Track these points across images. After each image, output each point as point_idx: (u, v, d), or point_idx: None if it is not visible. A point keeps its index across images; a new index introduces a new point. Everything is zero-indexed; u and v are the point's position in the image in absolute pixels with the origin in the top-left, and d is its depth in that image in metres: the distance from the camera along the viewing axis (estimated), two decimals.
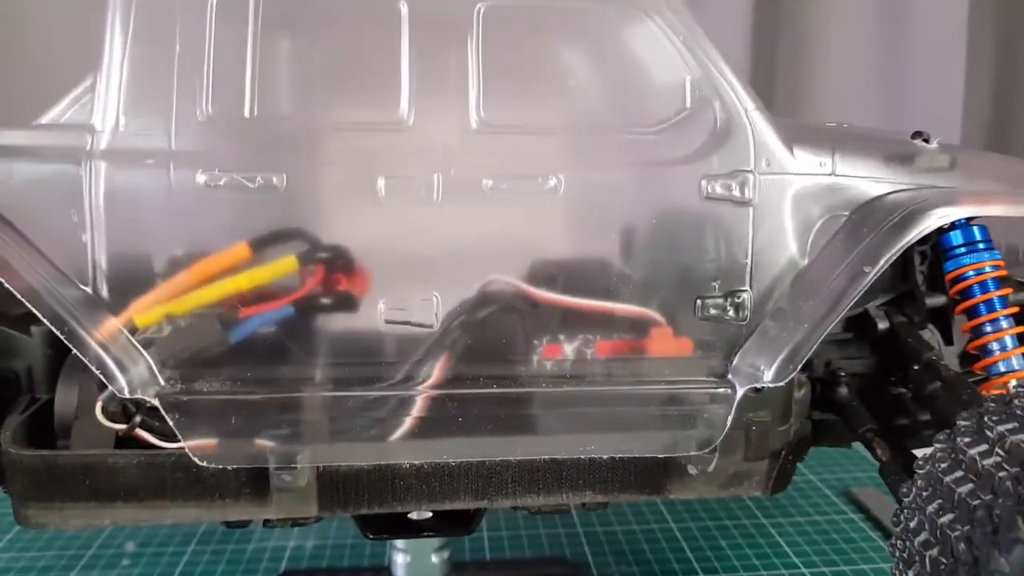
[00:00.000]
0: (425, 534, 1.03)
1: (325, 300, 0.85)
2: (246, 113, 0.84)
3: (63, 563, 1.43)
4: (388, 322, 0.86)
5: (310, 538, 1.51)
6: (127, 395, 0.81)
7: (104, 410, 0.86)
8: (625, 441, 0.90)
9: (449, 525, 1.01)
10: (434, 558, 1.13)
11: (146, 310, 0.84)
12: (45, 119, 0.84)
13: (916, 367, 1.02)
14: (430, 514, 1.03)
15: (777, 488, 0.98)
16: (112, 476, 0.86)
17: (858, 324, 1.07)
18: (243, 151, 0.84)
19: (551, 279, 0.89)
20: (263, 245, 0.85)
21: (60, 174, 0.82)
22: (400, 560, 1.14)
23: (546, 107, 0.87)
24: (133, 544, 1.50)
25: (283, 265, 0.85)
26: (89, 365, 0.80)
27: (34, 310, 0.79)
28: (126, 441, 0.90)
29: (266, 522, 0.93)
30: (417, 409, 0.87)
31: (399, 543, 1.14)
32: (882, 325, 1.05)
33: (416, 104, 0.86)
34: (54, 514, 0.87)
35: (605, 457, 0.93)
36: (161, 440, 0.88)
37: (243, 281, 0.84)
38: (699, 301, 0.90)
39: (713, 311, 0.90)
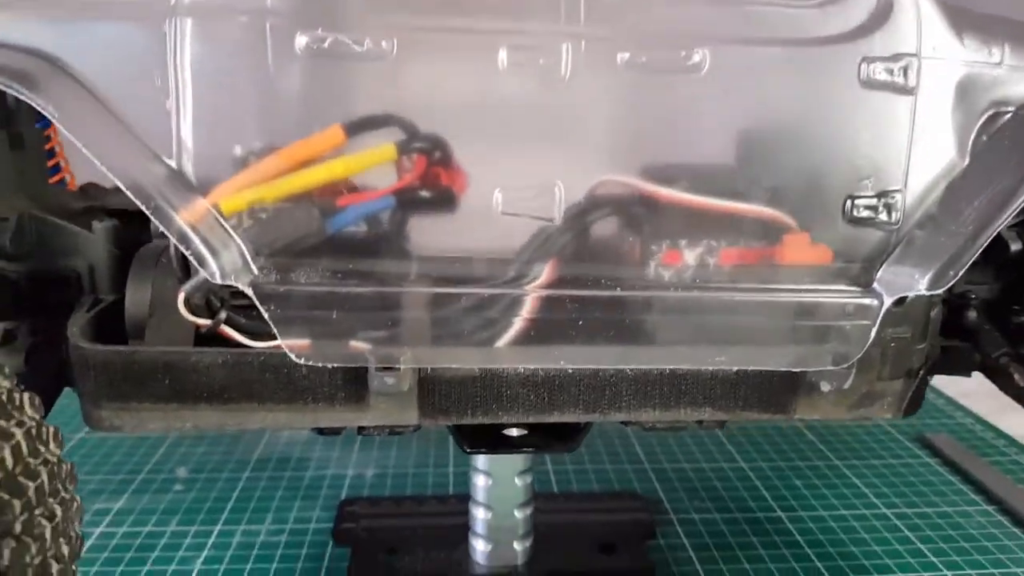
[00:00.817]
0: (525, 450, 0.97)
1: (431, 190, 0.77)
2: None
3: (112, 487, 1.39)
4: (505, 213, 0.78)
5: (370, 467, 1.46)
6: (218, 281, 0.72)
7: (187, 302, 0.78)
8: (754, 354, 0.82)
9: (551, 441, 0.95)
10: (518, 481, 1.07)
11: (235, 193, 0.75)
12: None
13: None
14: (524, 431, 0.97)
15: (910, 410, 0.91)
16: (195, 375, 0.79)
17: (987, 246, 1.00)
18: (349, 9, 0.74)
19: (680, 175, 0.79)
20: (359, 129, 0.76)
21: (142, 32, 0.73)
22: (481, 483, 1.08)
23: None
24: (185, 469, 1.45)
25: (381, 152, 0.76)
26: (178, 246, 0.72)
27: (117, 182, 0.70)
28: (205, 341, 0.83)
29: (360, 430, 0.86)
30: (529, 310, 0.79)
31: (480, 465, 1.08)
32: (1015, 247, 0.97)
33: None
34: (130, 415, 0.81)
35: (728, 372, 0.86)
36: (248, 338, 0.81)
37: (338, 168, 0.75)
38: (849, 201, 0.81)
39: (864, 212, 0.81)
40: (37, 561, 0.62)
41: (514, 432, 0.96)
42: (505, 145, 0.78)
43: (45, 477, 0.65)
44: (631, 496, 1.35)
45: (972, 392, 1.04)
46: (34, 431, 0.66)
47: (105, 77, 0.73)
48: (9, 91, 0.69)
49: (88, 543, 1.20)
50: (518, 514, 1.09)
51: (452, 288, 0.78)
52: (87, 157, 0.71)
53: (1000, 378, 0.95)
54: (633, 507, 1.31)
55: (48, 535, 0.63)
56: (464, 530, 1.15)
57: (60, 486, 0.67)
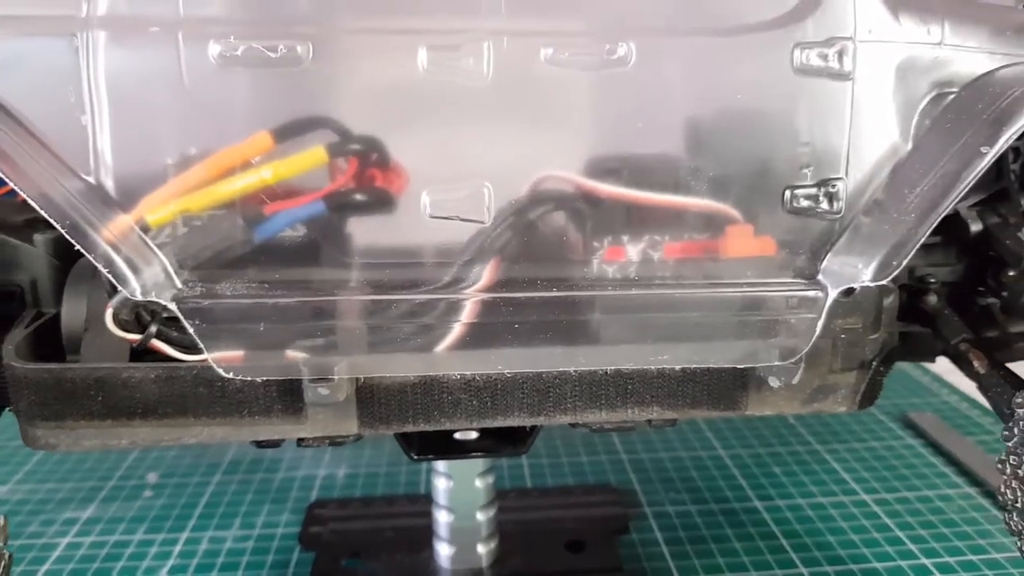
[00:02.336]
0: (474, 454, 0.95)
1: (360, 194, 0.74)
2: None
3: (82, 495, 1.38)
4: (433, 217, 0.75)
5: (341, 466, 1.44)
6: (140, 298, 0.71)
7: (115, 318, 0.77)
8: (700, 351, 0.80)
9: (501, 444, 0.93)
10: (478, 483, 1.06)
11: (159, 206, 0.73)
12: None
13: (1012, 273, 0.92)
14: (476, 434, 0.94)
15: (865, 403, 0.89)
16: (128, 391, 0.78)
17: (947, 227, 0.96)
18: (262, 15, 0.72)
19: (617, 169, 0.77)
20: (287, 134, 0.74)
21: (54, 46, 0.71)
22: (442, 485, 1.06)
23: None
24: (155, 475, 1.44)
25: (310, 156, 0.74)
26: (96, 264, 0.70)
27: (31, 201, 0.68)
28: (142, 356, 0.81)
29: (300, 441, 0.85)
30: (466, 315, 0.76)
31: (441, 468, 1.06)
32: (975, 227, 0.95)
33: None
34: (65, 434, 0.79)
35: (675, 369, 0.84)
36: (181, 352, 0.79)
37: (266, 174, 0.73)
38: (787, 192, 0.78)
39: (804, 202, 0.78)
40: None
41: (465, 436, 0.93)
42: (433, 147, 0.75)
43: None
44: (605, 489, 1.33)
45: (957, 369, 1.01)
46: None
47: (16, 93, 0.71)
48: None
49: (54, 554, 1.20)
50: (480, 516, 1.08)
51: (385, 295, 0.76)
52: None
53: (962, 364, 0.91)
54: (606, 501, 1.29)
55: None
56: (431, 533, 1.13)
57: None
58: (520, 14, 0.73)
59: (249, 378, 0.77)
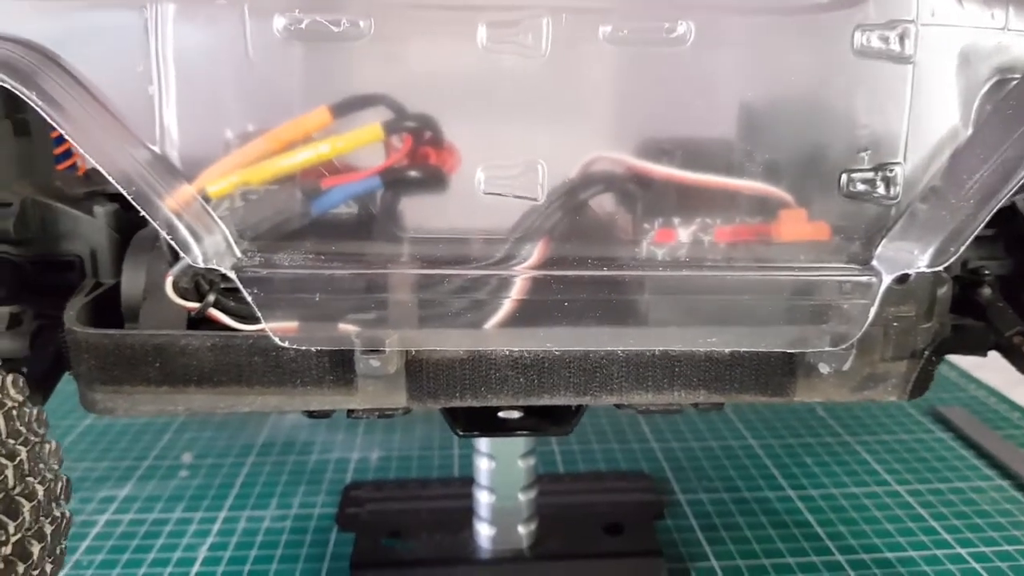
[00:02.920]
0: (519, 433, 0.95)
1: (415, 170, 0.75)
2: None
3: (119, 473, 1.39)
4: (487, 193, 0.76)
5: (375, 449, 1.45)
6: (201, 265, 0.72)
7: (175, 286, 0.79)
8: (750, 335, 0.79)
9: (545, 424, 0.93)
10: (520, 464, 1.06)
11: (220, 177, 0.74)
12: None
13: None
14: (520, 414, 0.95)
15: (916, 392, 0.88)
16: (185, 359, 0.79)
17: (1002, 220, 0.95)
18: None
19: (670, 151, 0.77)
20: (346, 110, 0.74)
21: (123, 18, 0.72)
22: (484, 466, 1.07)
23: None
24: (191, 455, 1.45)
25: (367, 132, 0.74)
26: (159, 231, 0.72)
27: (99, 168, 0.70)
28: (199, 325, 0.83)
29: (350, 412, 0.86)
30: (516, 291, 0.77)
31: (483, 448, 1.07)
32: None
33: None
34: (123, 398, 0.81)
35: (723, 353, 0.83)
36: (238, 321, 0.80)
37: (324, 149, 0.74)
38: (844, 176, 0.77)
39: (861, 187, 0.77)
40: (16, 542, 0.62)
41: (509, 414, 0.94)
42: (489, 124, 0.76)
43: (1, 419, 0.66)
44: (638, 476, 1.34)
45: (986, 364, 1.01)
46: (15, 412, 0.67)
47: (89, 64, 0.73)
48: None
49: (93, 531, 1.21)
50: (522, 497, 1.08)
51: (438, 269, 0.77)
52: None
53: (1015, 357, 0.91)
54: (641, 487, 1.29)
55: (10, 473, 0.64)
56: (469, 513, 1.14)
57: (21, 427, 0.68)
58: None
59: (303, 348, 0.78)
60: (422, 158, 0.75)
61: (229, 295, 0.81)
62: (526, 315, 0.77)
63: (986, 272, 0.96)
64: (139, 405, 0.81)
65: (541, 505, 1.14)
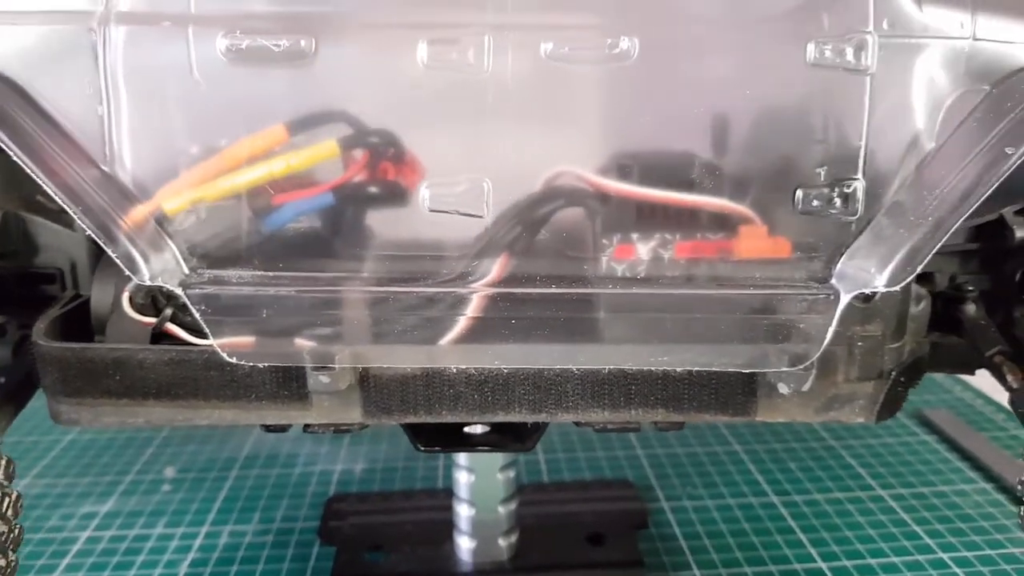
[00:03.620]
0: (480, 448, 0.96)
1: (367, 187, 0.75)
2: None
3: (101, 489, 1.38)
4: (432, 210, 0.75)
5: (359, 461, 1.45)
6: (148, 283, 0.74)
7: (131, 301, 0.81)
8: (704, 353, 0.78)
9: (506, 440, 0.93)
10: (499, 476, 1.06)
11: (172, 195, 0.75)
12: None
13: None
14: (483, 429, 0.95)
15: (884, 415, 0.85)
16: (143, 372, 0.81)
17: (988, 233, 0.94)
18: (266, 9, 0.73)
19: (621, 167, 0.75)
20: (301, 128, 0.74)
21: (72, 39, 0.73)
22: (464, 479, 1.07)
23: None
24: (173, 469, 1.44)
25: (322, 150, 0.75)
26: (106, 249, 0.73)
27: (46, 186, 0.71)
28: (163, 339, 0.84)
29: (306, 427, 0.86)
30: (467, 309, 0.76)
31: (462, 462, 1.07)
32: (1020, 233, 0.91)
33: None
34: (86, 410, 0.83)
35: (680, 372, 0.82)
36: (195, 336, 0.82)
37: (278, 166, 0.74)
38: (799, 192, 0.75)
39: (815, 203, 0.75)
40: None
41: (472, 429, 0.94)
42: (431, 142, 0.75)
43: None
44: (622, 484, 1.33)
45: None
46: None
47: (38, 84, 0.74)
48: None
49: (74, 547, 1.21)
50: (502, 510, 1.08)
51: (388, 287, 0.76)
52: None
53: (998, 376, 0.89)
54: (624, 496, 1.29)
55: None
56: (450, 526, 1.14)
57: None
58: (520, 8, 0.73)
59: (252, 363, 0.79)
60: (373, 175, 0.75)
61: (186, 310, 0.80)
62: (477, 333, 0.77)
63: (970, 289, 0.93)
64: (102, 416, 0.82)
65: (523, 516, 1.13)
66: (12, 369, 0.91)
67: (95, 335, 0.85)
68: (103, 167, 0.74)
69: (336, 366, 0.78)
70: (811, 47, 0.73)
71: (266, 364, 0.79)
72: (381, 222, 0.76)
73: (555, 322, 0.76)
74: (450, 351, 0.78)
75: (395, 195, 0.76)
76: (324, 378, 0.78)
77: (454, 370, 0.82)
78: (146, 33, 0.72)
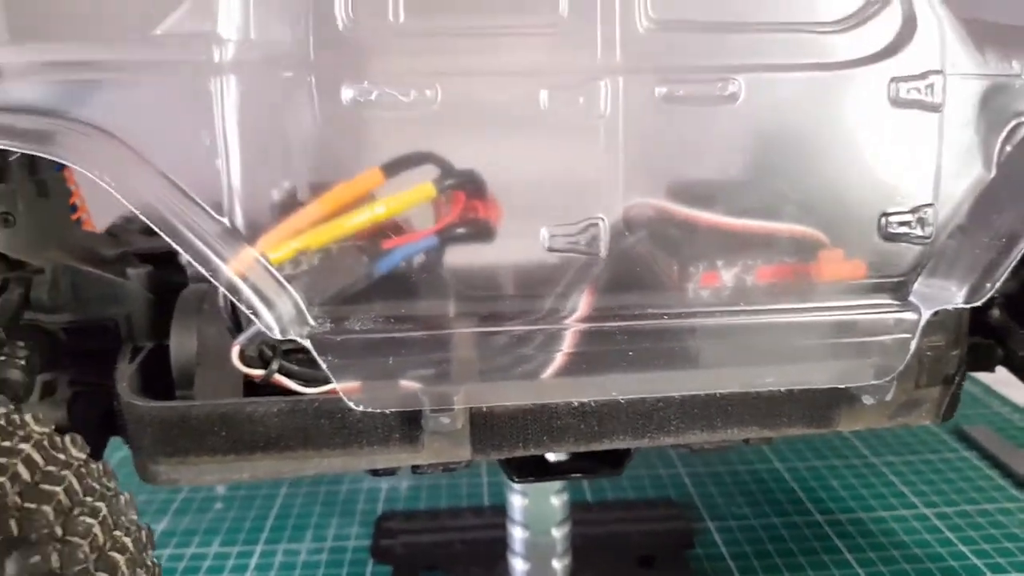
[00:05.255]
0: (572, 476, 0.97)
1: (472, 227, 0.77)
2: (391, 17, 0.74)
3: (155, 507, 1.41)
4: (551, 250, 0.78)
5: (404, 479, 1.47)
6: (278, 336, 0.73)
7: (241, 354, 0.78)
8: (801, 372, 0.84)
9: (598, 465, 0.95)
10: (554, 500, 1.08)
11: (284, 242, 0.75)
12: (162, 29, 0.73)
13: None
14: (567, 455, 0.96)
15: (948, 415, 0.93)
16: (252, 425, 0.79)
17: None
18: (390, 61, 0.75)
19: (717, 198, 0.80)
20: (396, 169, 0.76)
21: (187, 91, 0.73)
22: (518, 503, 1.08)
23: (721, 0, 0.77)
24: (224, 487, 1.47)
25: (420, 192, 0.76)
26: (239, 305, 0.73)
27: (176, 246, 0.71)
28: (253, 388, 0.83)
29: (415, 468, 0.86)
30: (572, 344, 0.79)
31: (516, 485, 1.09)
32: None
33: (577, 2, 0.75)
34: (187, 469, 0.80)
35: (774, 390, 0.87)
36: (301, 385, 0.81)
37: (380, 210, 0.75)
38: (883, 218, 0.82)
39: (899, 228, 0.82)
40: (94, 556, 0.63)
41: (561, 457, 0.95)
42: (548, 182, 0.78)
43: (73, 480, 0.66)
44: (667, 504, 1.35)
45: (1009, 380, 1.04)
46: (46, 441, 0.67)
47: (149, 137, 0.73)
48: (53, 159, 0.70)
49: None
50: (556, 532, 1.10)
51: (497, 326, 0.79)
52: (101, 197, 0.71)
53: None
54: (670, 515, 1.31)
55: (98, 531, 0.64)
56: (502, 545, 1.16)
57: (95, 484, 0.68)
58: (636, 55, 0.76)
59: (376, 409, 0.79)
60: (475, 216, 0.77)
61: (290, 359, 0.81)
62: (584, 365, 0.80)
63: (995, 295, 0.99)
64: (204, 474, 0.80)
65: (573, 535, 1.15)
66: (74, 427, 0.86)
67: (176, 389, 0.83)
68: (223, 219, 0.74)
69: (455, 407, 0.79)
70: (893, 86, 0.80)
71: (379, 409, 0.79)
72: (488, 261, 0.79)
73: (656, 351, 0.80)
74: (559, 385, 0.80)
75: (503, 234, 0.78)
76: (444, 419, 0.78)
77: (561, 403, 0.83)
78: (266, 83, 0.73)
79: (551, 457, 0.95)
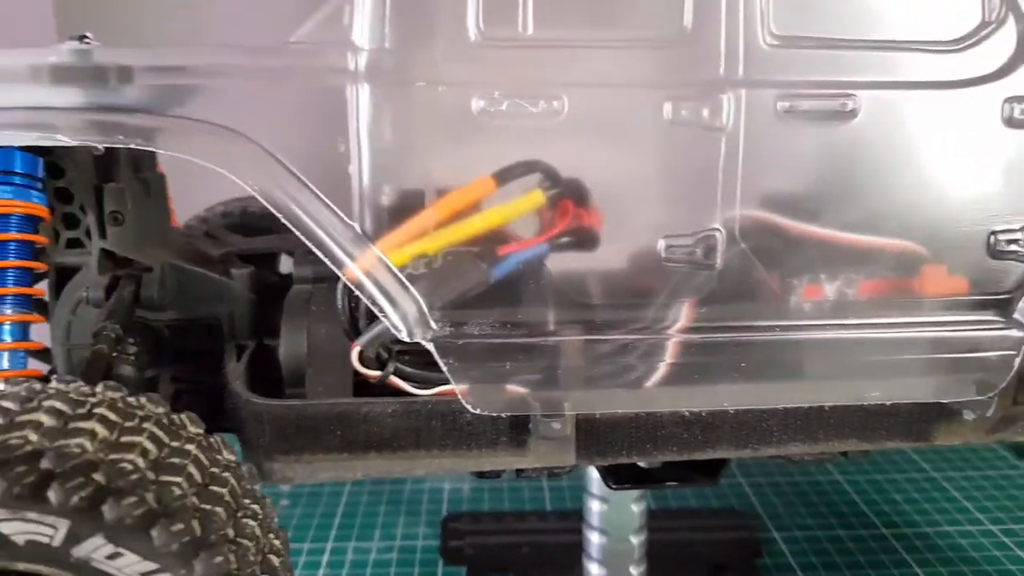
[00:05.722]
0: (668, 484, 0.98)
1: (582, 236, 0.78)
2: (520, 29, 0.75)
3: None
4: (668, 260, 0.79)
5: (466, 480, 1.48)
6: (405, 337, 0.75)
7: (361, 356, 0.80)
8: (904, 386, 0.85)
9: (693, 474, 0.96)
10: (634, 508, 1.09)
11: (406, 246, 0.77)
12: (296, 36, 0.74)
13: None
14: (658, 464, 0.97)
15: None
16: (367, 425, 0.81)
17: None
18: (519, 72, 0.76)
19: (830, 213, 0.81)
20: (507, 177, 0.77)
21: (322, 98, 0.75)
22: (596, 508, 1.09)
23: (840, 18, 0.78)
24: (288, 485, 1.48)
25: (530, 199, 0.77)
26: (372, 308, 0.75)
27: (314, 248, 0.74)
28: (363, 388, 0.84)
29: (519, 472, 0.88)
30: (680, 353, 0.81)
31: (595, 491, 1.10)
32: None
33: (701, 16, 0.77)
34: (302, 467, 0.82)
35: (872, 403, 0.88)
36: (413, 387, 0.82)
37: (494, 217, 0.77)
38: (992, 237, 0.83)
39: (1007, 247, 0.83)
40: (259, 559, 0.65)
41: (652, 464, 0.96)
42: (667, 193, 0.80)
43: (234, 482, 0.67)
44: (733, 513, 1.36)
45: None
46: (204, 443, 0.69)
47: (285, 141, 0.75)
48: (208, 165, 0.72)
49: None
50: (634, 539, 1.11)
51: (609, 334, 0.80)
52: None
53: None
54: (736, 524, 1.31)
55: (259, 532, 0.66)
56: (571, 550, 1.17)
57: (249, 487, 0.70)
58: (758, 70, 0.78)
59: (491, 413, 0.80)
60: (584, 224, 0.78)
61: (405, 360, 0.83)
62: (692, 374, 0.82)
63: None
64: (318, 472, 0.82)
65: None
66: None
67: (286, 387, 0.85)
68: (353, 224, 0.76)
69: (565, 413, 0.80)
70: (1006, 106, 0.81)
71: (494, 412, 0.80)
72: (593, 269, 0.80)
73: (768, 363, 0.82)
74: (665, 394, 0.81)
75: (614, 243, 0.79)
76: (556, 424, 0.80)
77: (667, 411, 0.85)
78: (398, 92, 0.75)
79: (645, 464, 0.96)
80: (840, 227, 0.81)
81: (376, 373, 0.81)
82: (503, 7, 0.74)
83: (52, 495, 0.56)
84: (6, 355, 0.79)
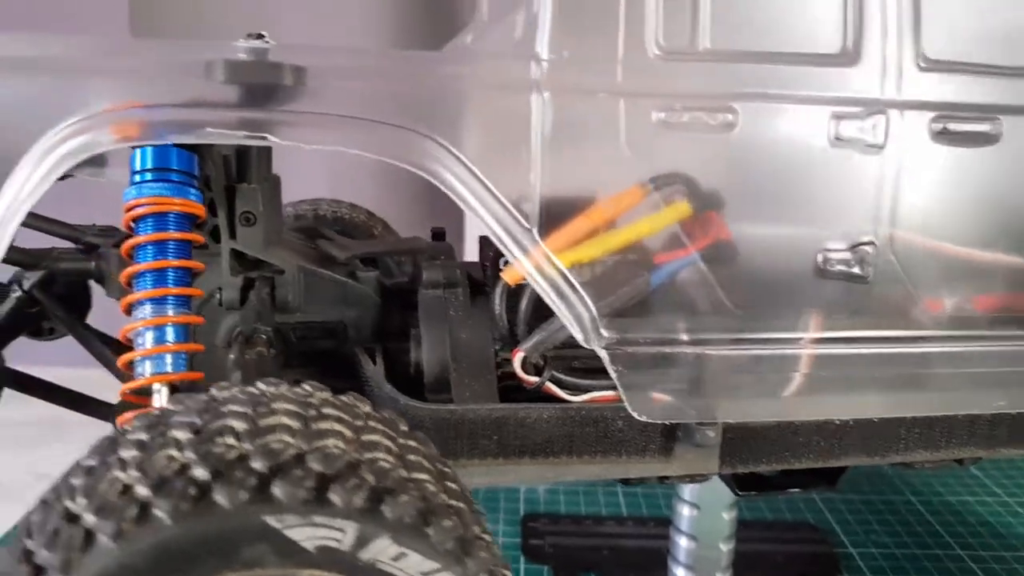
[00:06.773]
0: (790, 491, 1.00)
1: (729, 247, 0.81)
2: (698, 43, 0.77)
3: None
4: (825, 272, 0.82)
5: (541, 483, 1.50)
6: (583, 343, 0.77)
7: (524, 363, 0.82)
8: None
9: (815, 480, 0.98)
10: (725, 515, 1.11)
11: (578, 252, 0.78)
12: (476, 42, 0.77)
13: None
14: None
15: None
16: (523, 431, 0.81)
17: None
18: (696, 85, 0.78)
19: (969, 231, 0.84)
20: (655, 187, 0.79)
21: (507, 106, 0.76)
22: (686, 513, 1.11)
23: (989, 43, 0.81)
24: None
25: (677, 210, 0.79)
26: (553, 307, 0.77)
27: (504, 251, 0.76)
28: (505, 394, 0.86)
29: (662, 479, 0.89)
30: (824, 363, 0.83)
31: (686, 496, 1.12)
32: None
33: (860, 36, 0.79)
34: (457, 471, 0.84)
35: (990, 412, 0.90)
36: (567, 393, 0.84)
37: (644, 226, 0.79)
38: None
39: None
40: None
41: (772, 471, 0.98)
42: (825, 208, 0.82)
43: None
44: (809, 527, 1.37)
45: None
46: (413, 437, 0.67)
47: (471, 146, 0.76)
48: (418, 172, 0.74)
49: None
50: (723, 547, 1.12)
51: (767, 345, 0.82)
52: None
53: None
54: (813, 538, 1.33)
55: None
56: (653, 555, 1.19)
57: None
58: (914, 90, 0.80)
59: (651, 420, 0.81)
60: (729, 236, 0.81)
61: (558, 367, 0.85)
62: (836, 384, 0.84)
63: None
64: (472, 477, 0.82)
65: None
66: None
67: (427, 393, 0.86)
68: (532, 230, 0.76)
69: (718, 421, 0.82)
70: None
71: (654, 420, 0.81)
72: (745, 279, 0.82)
73: (902, 375, 0.84)
74: (808, 403, 0.83)
75: (769, 254, 0.82)
76: (711, 432, 0.82)
77: (806, 420, 0.86)
78: (580, 101, 0.76)
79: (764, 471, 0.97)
80: (983, 246, 0.84)
81: (535, 379, 0.82)
82: (681, 21, 0.76)
83: (335, 497, 0.54)
84: (169, 357, 0.77)
